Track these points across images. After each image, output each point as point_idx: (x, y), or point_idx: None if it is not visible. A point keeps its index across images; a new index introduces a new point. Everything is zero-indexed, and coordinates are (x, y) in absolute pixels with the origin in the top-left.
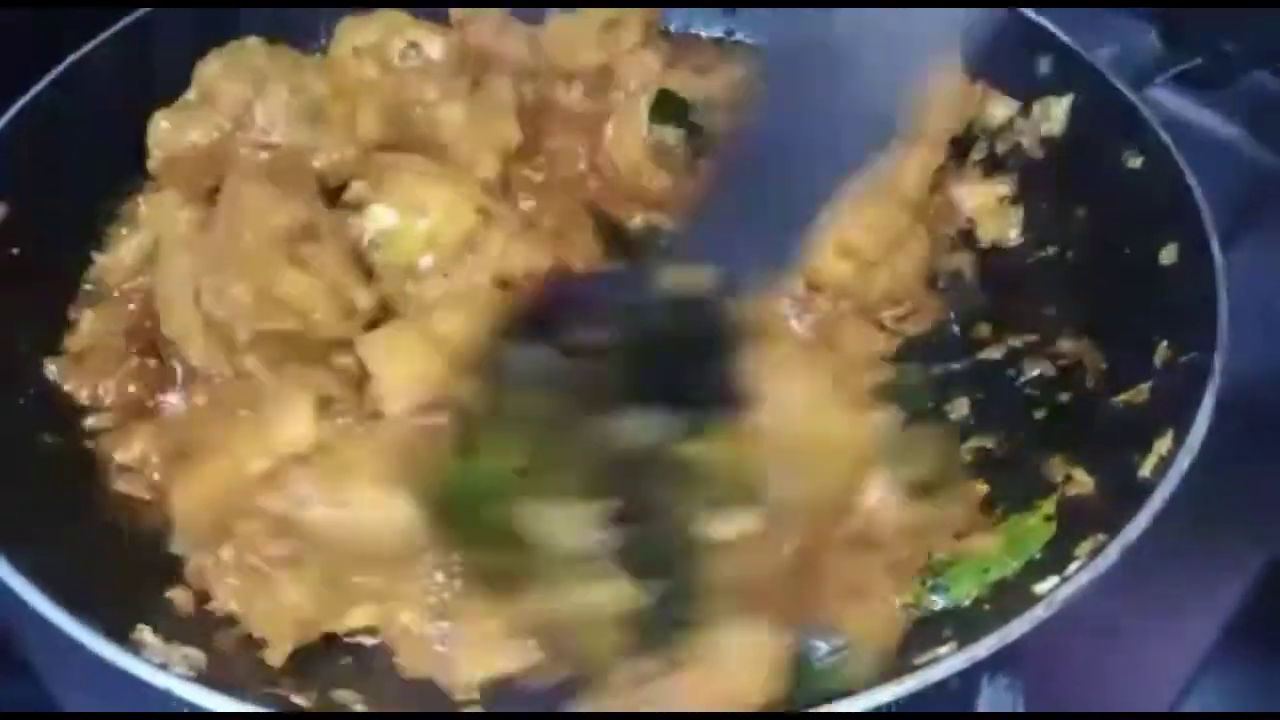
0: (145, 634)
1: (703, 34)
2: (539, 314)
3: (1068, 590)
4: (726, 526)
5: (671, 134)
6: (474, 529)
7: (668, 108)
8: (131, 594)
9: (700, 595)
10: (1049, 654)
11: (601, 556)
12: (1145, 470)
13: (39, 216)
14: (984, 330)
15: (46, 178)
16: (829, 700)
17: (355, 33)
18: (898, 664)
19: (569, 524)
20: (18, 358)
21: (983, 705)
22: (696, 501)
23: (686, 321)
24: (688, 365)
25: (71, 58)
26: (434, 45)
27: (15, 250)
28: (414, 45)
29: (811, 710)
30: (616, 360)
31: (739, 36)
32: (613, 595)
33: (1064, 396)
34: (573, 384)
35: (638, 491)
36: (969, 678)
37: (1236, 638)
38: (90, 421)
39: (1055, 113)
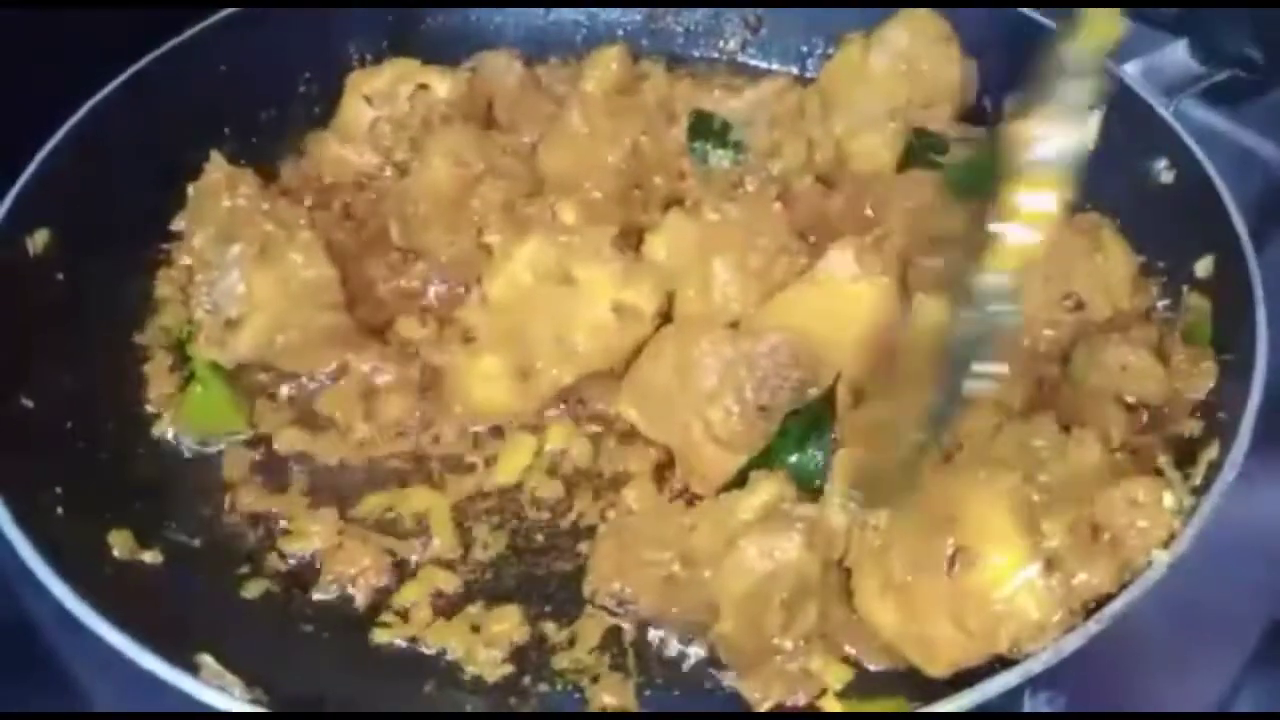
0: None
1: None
2: None
3: (1119, 605)
4: None
5: (716, 155)
6: None
7: (709, 129)
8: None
9: None
10: (1090, 669)
11: None
12: (1194, 481)
13: (83, 243)
14: None
15: (90, 204)
16: None
17: (365, 83)
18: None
19: None
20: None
21: None
22: None
23: None
24: None
25: (112, 84)
26: (442, 85)
27: (60, 276)
28: (423, 86)
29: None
30: None
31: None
32: None
33: None
34: None
35: None
36: (1012, 693)
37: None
38: None
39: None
